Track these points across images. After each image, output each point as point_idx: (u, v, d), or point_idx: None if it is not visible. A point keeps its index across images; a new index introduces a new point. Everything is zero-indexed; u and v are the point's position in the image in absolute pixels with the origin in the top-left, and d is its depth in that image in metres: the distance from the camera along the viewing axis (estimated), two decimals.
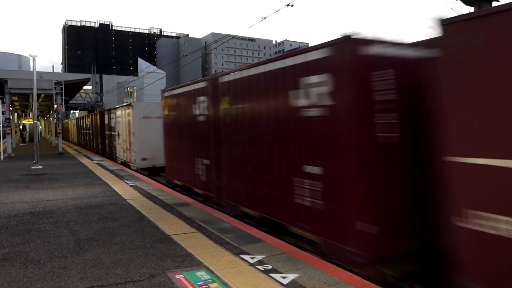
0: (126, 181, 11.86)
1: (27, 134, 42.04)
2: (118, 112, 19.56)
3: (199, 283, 4.07)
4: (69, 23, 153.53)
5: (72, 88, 30.08)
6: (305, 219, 5.64)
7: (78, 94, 42.80)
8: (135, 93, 75.41)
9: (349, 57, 4.82)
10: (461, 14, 4.19)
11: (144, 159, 16.48)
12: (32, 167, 14.24)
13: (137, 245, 5.44)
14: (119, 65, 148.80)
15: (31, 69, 16.06)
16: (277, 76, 6.26)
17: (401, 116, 4.90)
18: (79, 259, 4.89)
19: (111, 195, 9.53)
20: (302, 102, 5.64)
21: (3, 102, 21.66)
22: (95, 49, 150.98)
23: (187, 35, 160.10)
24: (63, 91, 24.90)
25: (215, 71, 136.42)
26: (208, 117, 8.96)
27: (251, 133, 7.19)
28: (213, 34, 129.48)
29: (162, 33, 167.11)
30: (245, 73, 7.34)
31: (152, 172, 15.98)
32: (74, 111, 64.25)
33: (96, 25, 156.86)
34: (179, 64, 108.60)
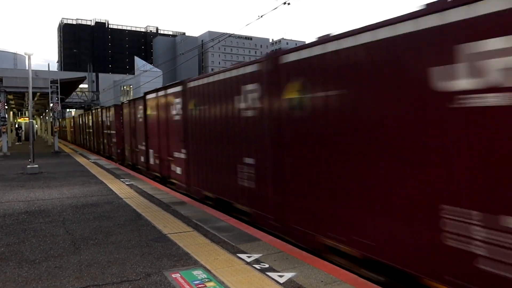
0: (122, 180, 11.82)
1: (23, 133, 41.87)
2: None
3: (195, 282, 4.05)
4: (65, 21, 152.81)
5: (68, 87, 29.91)
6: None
7: (74, 93, 42.60)
8: (131, 92, 75.22)
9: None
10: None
11: None
12: (28, 166, 14.17)
13: (133, 244, 5.41)
14: (116, 64, 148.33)
15: (27, 68, 15.96)
16: None
17: None
18: (75, 258, 4.86)
19: (107, 194, 9.50)
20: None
21: None
22: (91, 47, 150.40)
23: (184, 33, 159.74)
24: (59, 90, 24.77)
25: (212, 69, 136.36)
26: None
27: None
28: (210, 32, 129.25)
29: (159, 32, 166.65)
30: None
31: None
32: (70, 110, 63.98)
33: (92, 23, 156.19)
34: (175, 62, 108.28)
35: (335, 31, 5.06)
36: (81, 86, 41.68)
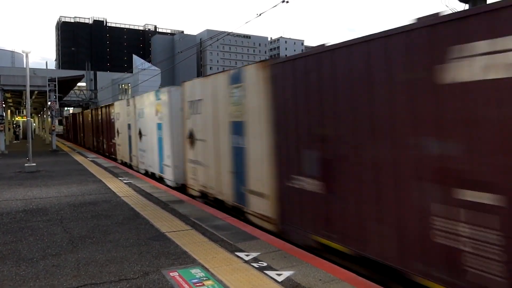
0: (120, 178, 11.79)
1: (21, 131, 41.76)
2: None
3: (193, 280, 4.05)
4: (63, 19, 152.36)
5: (66, 85, 29.88)
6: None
7: (72, 91, 42.54)
8: (129, 90, 75.10)
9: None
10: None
11: None
12: (26, 165, 14.13)
13: (132, 242, 5.41)
14: (114, 62, 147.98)
15: (25, 66, 15.92)
16: None
17: None
18: (73, 257, 4.85)
19: (105, 192, 9.48)
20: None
21: None
22: (90, 45, 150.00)
23: (182, 31, 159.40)
24: (56, 88, 24.72)
25: (210, 68, 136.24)
26: None
27: None
28: (208, 31, 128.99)
29: (157, 30, 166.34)
30: None
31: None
32: (68, 108, 63.87)
33: (91, 22, 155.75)
34: (174, 61, 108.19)
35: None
36: (79, 84, 41.66)
